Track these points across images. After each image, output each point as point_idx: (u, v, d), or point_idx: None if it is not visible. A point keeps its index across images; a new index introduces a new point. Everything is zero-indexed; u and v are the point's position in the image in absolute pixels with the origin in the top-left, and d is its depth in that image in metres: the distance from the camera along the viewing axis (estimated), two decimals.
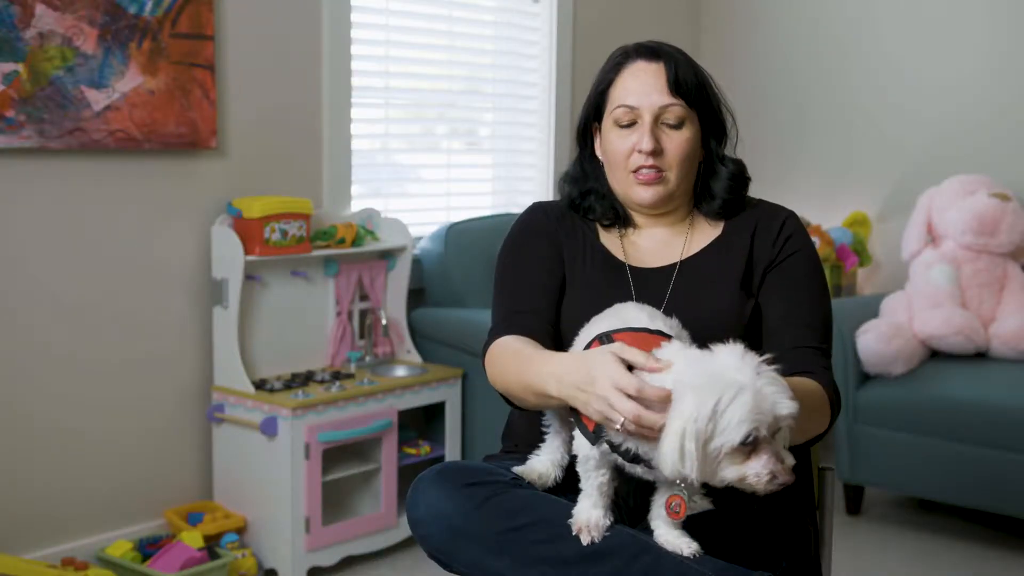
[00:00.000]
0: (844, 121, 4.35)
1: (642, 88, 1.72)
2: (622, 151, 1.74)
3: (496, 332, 1.74)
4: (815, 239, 3.84)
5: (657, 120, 1.72)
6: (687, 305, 1.70)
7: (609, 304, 1.62)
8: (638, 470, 1.44)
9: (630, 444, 1.43)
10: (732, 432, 1.33)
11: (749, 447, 1.35)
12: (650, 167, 1.73)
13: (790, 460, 1.38)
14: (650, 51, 1.75)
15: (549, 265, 1.79)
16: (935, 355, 3.58)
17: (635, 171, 1.74)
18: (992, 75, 3.99)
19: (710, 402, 1.33)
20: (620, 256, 1.80)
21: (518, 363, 1.62)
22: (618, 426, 1.39)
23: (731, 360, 1.38)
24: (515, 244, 1.84)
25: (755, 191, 1.86)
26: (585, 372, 1.44)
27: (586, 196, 1.84)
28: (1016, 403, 3.17)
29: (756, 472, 1.36)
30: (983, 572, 3.17)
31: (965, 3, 4.06)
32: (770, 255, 1.75)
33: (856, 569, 3.14)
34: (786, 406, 1.36)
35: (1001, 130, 3.96)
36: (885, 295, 3.81)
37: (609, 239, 1.83)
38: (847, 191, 4.33)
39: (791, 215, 1.81)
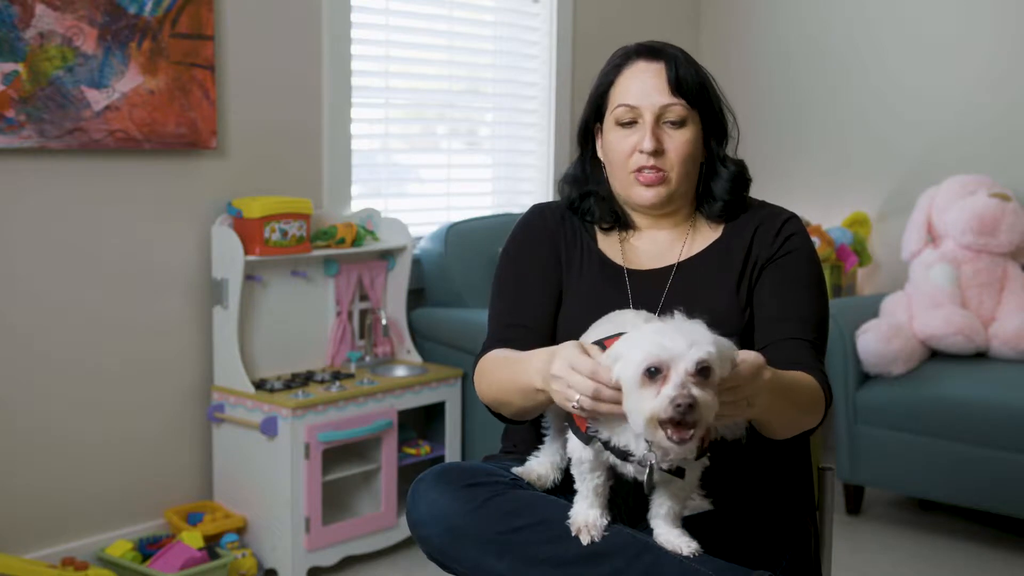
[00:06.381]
0: (844, 121, 4.35)
1: (643, 88, 1.71)
2: (623, 151, 1.73)
3: (488, 346, 1.76)
4: (815, 239, 3.83)
5: (658, 120, 1.71)
6: (683, 307, 1.69)
7: (607, 309, 1.62)
8: (630, 469, 1.44)
9: (602, 431, 1.44)
10: (629, 365, 1.35)
11: (657, 384, 1.34)
12: (652, 167, 1.72)
13: (699, 393, 1.31)
14: (651, 51, 1.74)
15: (547, 275, 1.79)
16: (935, 355, 3.58)
17: (637, 171, 1.73)
18: (992, 76, 3.99)
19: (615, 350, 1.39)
20: (618, 260, 1.79)
21: (509, 366, 1.63)
22: (574, 403, 1.41)
23: (668, 322, 1.41)
24: (515, 250, 1.84)
25: (755, 191, 1.85)
26: (551, 361, 1.47)
27: (585, 198, 1.83)
28: (1016, 403, 3.17)
29: (655, 404, 1.32)
30: (983, 572, 3.17)
31: (966, 4, 4.06)
32: (769, 252, 1.74)
33: (856, 569, 3.14)
34: (701, 346, 1.33)
35: (1001, 130, 3.96)
36: (885, 295, 3.81)
37: (608, 242, 1.82)
38: (847, 191, 4.33)
39: (793, 217, 1.80)
